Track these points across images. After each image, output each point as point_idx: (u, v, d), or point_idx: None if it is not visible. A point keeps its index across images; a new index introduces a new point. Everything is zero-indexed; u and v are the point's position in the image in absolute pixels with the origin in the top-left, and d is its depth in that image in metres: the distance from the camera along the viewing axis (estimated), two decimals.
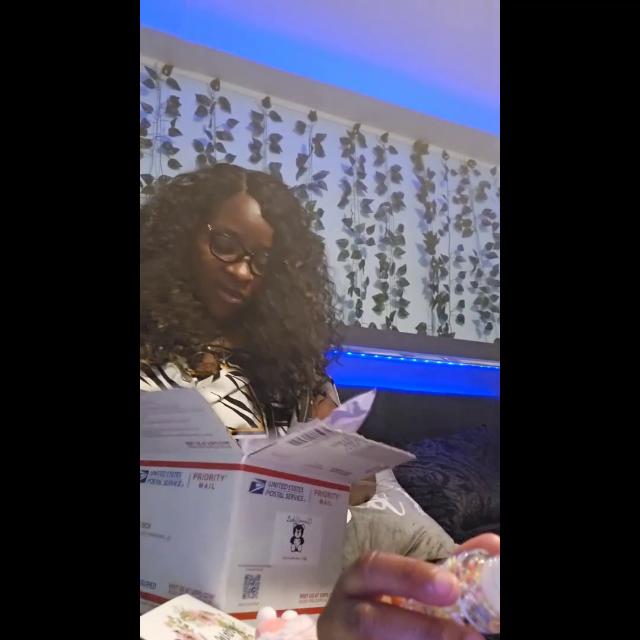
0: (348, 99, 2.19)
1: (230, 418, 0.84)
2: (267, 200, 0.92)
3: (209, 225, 0.90)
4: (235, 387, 0.86)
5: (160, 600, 0.49)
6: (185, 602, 0.47)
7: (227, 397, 0.85)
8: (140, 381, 0.80)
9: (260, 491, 0.51)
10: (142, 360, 0.81)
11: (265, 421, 0.87)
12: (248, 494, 0.50)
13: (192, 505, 0.53)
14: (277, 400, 0.90)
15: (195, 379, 0.85)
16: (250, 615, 0.48)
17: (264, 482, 0.52)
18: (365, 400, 0.55)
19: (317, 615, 0.30)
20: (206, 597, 0.48)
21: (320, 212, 2.17)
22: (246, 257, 0.90)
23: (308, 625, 0.42)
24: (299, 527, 0.55)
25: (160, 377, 0.82)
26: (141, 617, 0.41)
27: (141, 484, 0.58)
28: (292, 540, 0.54)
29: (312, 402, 0.95)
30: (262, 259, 0.91)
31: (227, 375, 0.87)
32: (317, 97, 2.18)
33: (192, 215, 0.93)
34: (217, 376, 0.86)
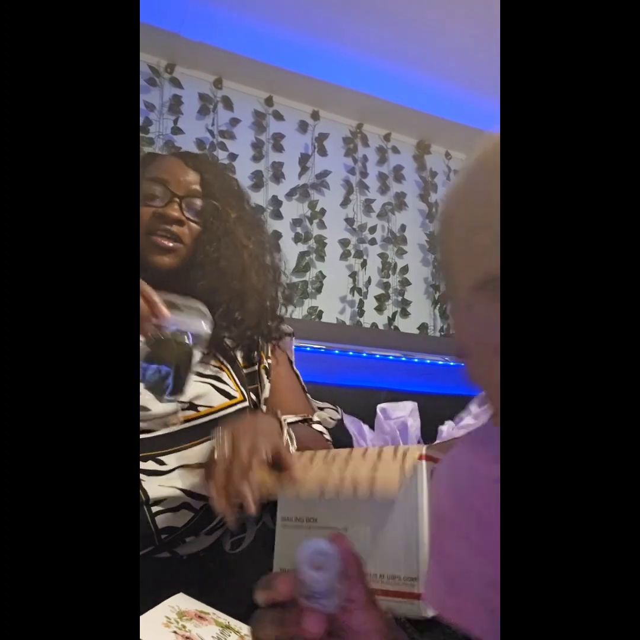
0: (351, 98, 2.19)
1: (211, 394, 0.84)
2: (191, 157, 0.96)
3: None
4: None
5: None
6: (181, 601, 0.46)
7: (199, 374, 0.84)
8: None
9: None
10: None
11: (239, 385, 0.87)
12: (429, 482, 0.54)
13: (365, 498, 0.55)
14: (229, 345, 0.91)
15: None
16: None
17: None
18: None
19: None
20: (407, 581, 0.51)
21: (323, 211, 2.16)
22: (176, 199, 0.89)
23: None
24: None
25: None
26: (141, 618, 0.41)
27: None
28: None
29: (266, 346, 0.96)
30: (194, 202, 0.91)
31: None
32: (320, 96, 2.18)
33: None
34: None
